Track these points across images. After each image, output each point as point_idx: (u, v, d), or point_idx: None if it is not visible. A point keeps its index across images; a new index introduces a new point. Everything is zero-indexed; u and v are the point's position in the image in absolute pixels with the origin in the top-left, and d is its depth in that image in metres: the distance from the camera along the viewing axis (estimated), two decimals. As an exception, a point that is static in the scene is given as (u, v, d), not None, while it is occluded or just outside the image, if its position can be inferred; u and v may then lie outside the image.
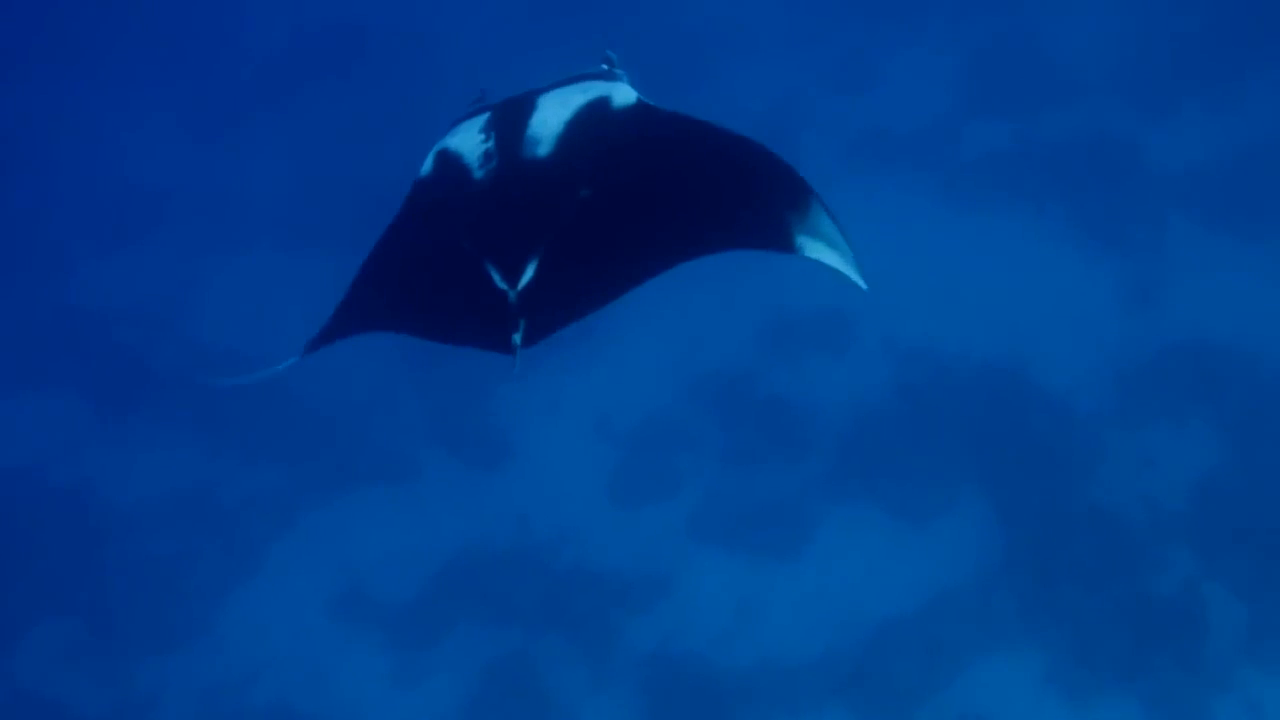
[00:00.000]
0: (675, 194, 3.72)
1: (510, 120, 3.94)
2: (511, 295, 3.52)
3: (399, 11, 15.52)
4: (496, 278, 3.57)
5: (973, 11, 12.29)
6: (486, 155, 3.85)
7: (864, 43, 12.49)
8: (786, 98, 12.15)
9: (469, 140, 3.96)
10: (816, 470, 9.70)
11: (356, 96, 14.24)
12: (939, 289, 10.23)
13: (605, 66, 4.49)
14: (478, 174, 3.83)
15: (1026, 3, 12.08)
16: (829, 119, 11.87)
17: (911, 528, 9.18)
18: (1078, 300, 9.84)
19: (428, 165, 4.05)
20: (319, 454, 10.90)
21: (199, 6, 17.23)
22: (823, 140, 11.63)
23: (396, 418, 10.99)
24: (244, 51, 16.24)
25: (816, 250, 3.58)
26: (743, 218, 3.67)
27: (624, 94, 4.03)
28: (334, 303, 3.99)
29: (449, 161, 3.96)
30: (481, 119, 4.04)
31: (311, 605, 10.04)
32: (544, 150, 3.78)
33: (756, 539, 9.49)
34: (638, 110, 3.97)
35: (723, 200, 3.69)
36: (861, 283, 3.56)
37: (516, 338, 3.51)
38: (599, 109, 3.93)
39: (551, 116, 3.88)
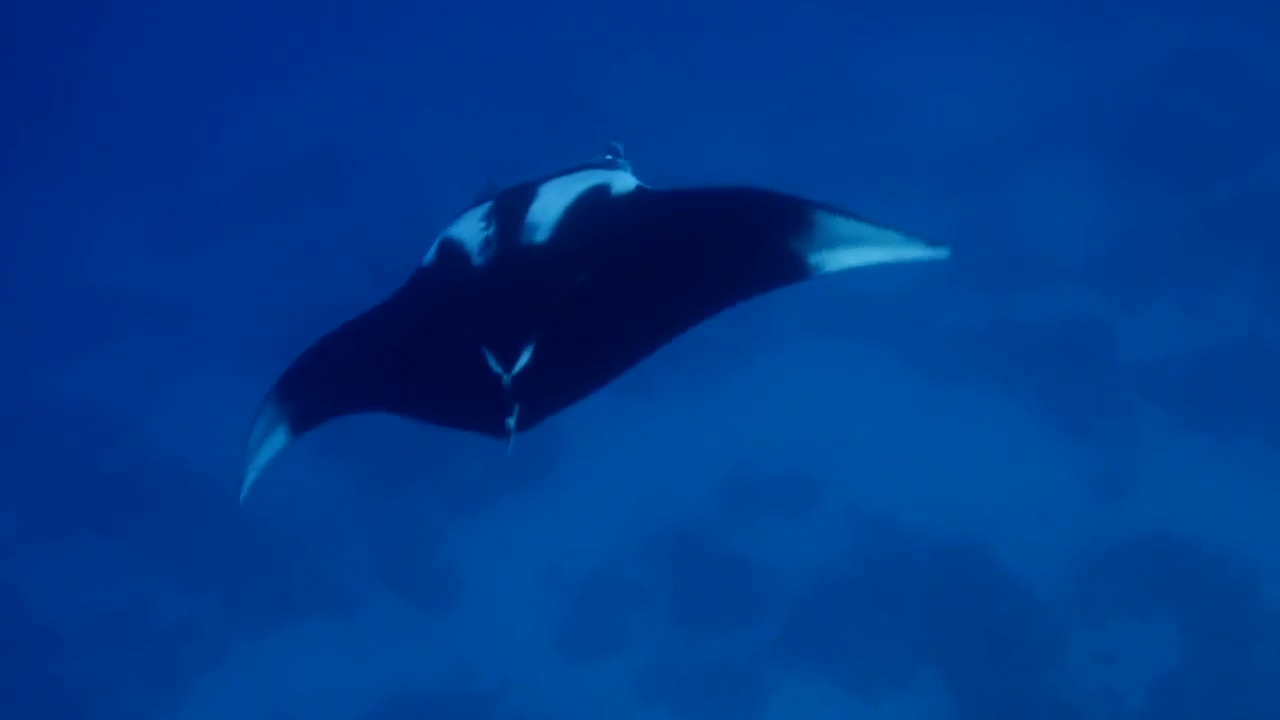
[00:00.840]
0: (671, 267, 3.68)
1: (511, 208, 4.00)
2: (506, 379, 3.52)
3: (374, 135, 15.64)
4: (492, 362, 3.56)
5: (950, 188, 12.44)
6: (486, 242, 3.91)
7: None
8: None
9: (470, 228, 4.03)
10: (769, 636, 9.46)
11: (326, 217, 14.23)
12: (904, 460, 10.12)
13: (609, 156, 4.62)
14: (477, 260, 3.89)
15: (1004, 184, 12.26)
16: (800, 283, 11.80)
17: (864, 705, 8.92)
18: (1044, 484, 9.72)
19: (430, 253, 4.10)
20: (258, 580, 10.59)
21: (176, 120, 17.38)
22: (793, 303, 11.60)
23: (342, 549, 10.71)
24: (217, 166, 16.32)
25: (840, 259, 3.50)
26: (738, 268, 3.60)
27: (624, 181, 4.08)
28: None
29: (450, 249, 4.02)
30: (484, 208, 4.12)
31: (236, 742, 9.66)
32: (542, 236, 3.82)
33: (703, 704, 9.21)
34: (636, 196, 4.00)
35: (716, 260, 3.63)
36: (932, 252, 3.44)
37: (510, 422, 3.48)
38: (598, 195, 3.97)
39: (551, 204, 3.93)
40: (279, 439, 4.01)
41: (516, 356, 3.54)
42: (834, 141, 13.51)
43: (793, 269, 3.51)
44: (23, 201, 16.63)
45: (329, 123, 16.34)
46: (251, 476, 4.07)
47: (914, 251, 3.44)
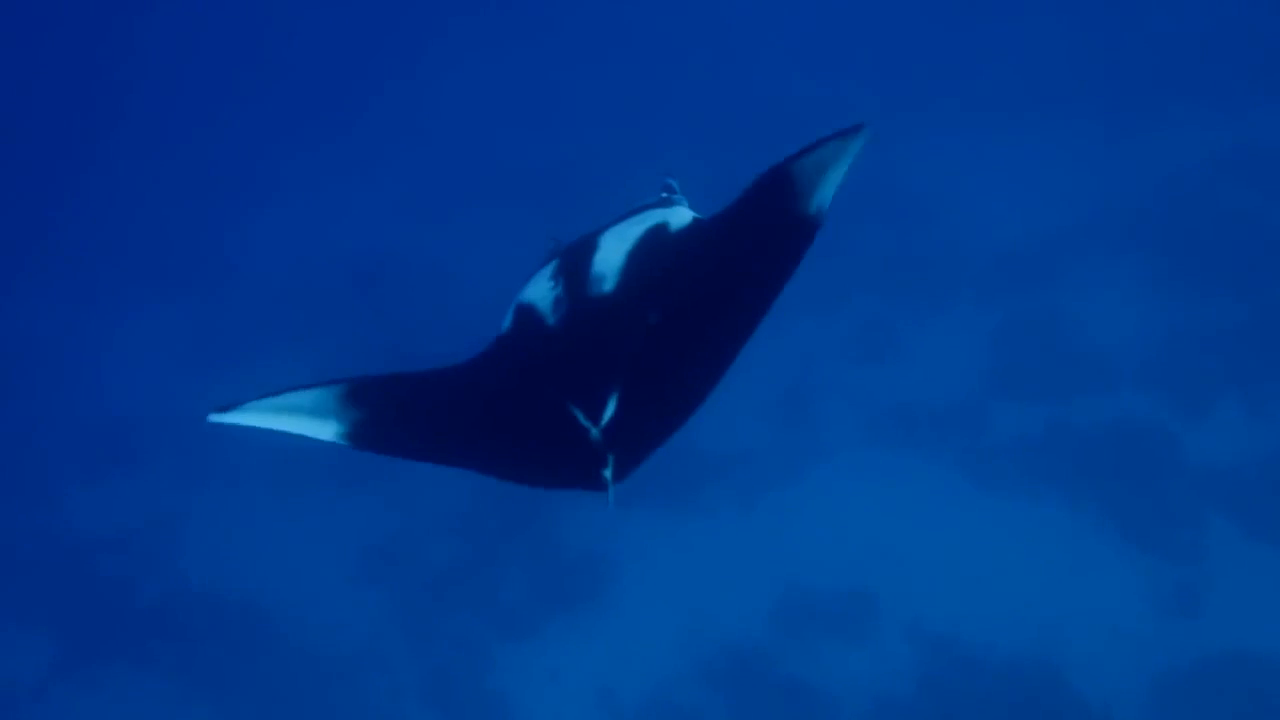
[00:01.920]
0: (720, 280, 3.82)
1: (575, 264, 4.07)
2: (594, 432, 3.57)
3: (408, 245, 15.55)
4: (580, 417, 3.60)
5: (997, 289, 12.22)
6: (557, 301, 3.96)
7: (886, 314, 12.34)
8: (806, 364, 11.92)
9: (540, 290, 4.09)
10: (832, 764, 9.14)
11: (362, 331, 14.08)
12: (965, 575, 9.83)
13: (665, 194, 4.78)
14: (551, 320, 3.93)
15: (1054, 287, 12.02)
16: (849, 389, 11.62)
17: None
18: (1112, 599, 9.39)
19: (507, 320, 4.14)
20: (301, 711, 10.29)
21: (203, 236, 17.43)
22: (844, 410, 11.39)
23: (386, 675, 10.44)
24: (249, 281, 16.27)
25: (827, 185, 3.72)
26: (773, 251, 3.76)
27: (680, 217, 4.20)
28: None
29: (525, 313, 4.07)
30: (550, 267, 4.19)
31: None
32: (609, 286, 3.89)
33: (765, 839, 8.87)
34: (692, 228, 4.11)
35: (751, 255, 3.79)
36: (862, 135, 3.66)
37: (607, 473, 3.54)
38: (656, 235, 4.09)
39: (612, 252, 4.02)
40: (325, 426, 3.82)
41: (603, 408, 3.59)
42: (880, 244, 13.31)
43: (805, 224, 3.72)
44: (50, 320, 16.61)
45: (362, 235, 16.29)
46: (255, 420, 3.83)
47: (854, 146, 3.68)
